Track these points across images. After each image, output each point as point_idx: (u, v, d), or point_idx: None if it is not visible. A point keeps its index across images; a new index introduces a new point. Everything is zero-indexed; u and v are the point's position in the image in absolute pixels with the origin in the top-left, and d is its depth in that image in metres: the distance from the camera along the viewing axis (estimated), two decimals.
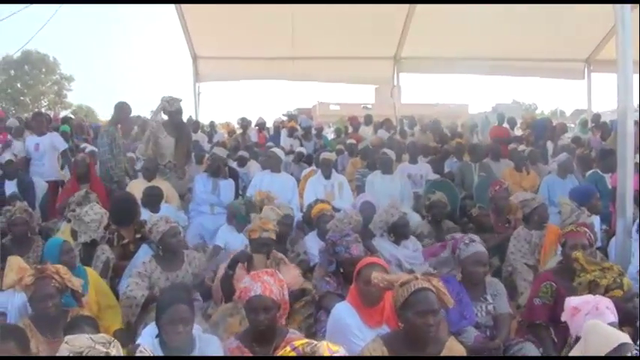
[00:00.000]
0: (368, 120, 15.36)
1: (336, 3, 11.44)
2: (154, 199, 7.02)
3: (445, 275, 4.53)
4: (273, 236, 5.22)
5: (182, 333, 3.43)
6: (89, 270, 5.01)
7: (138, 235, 6.24)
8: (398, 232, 6.10)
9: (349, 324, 3.90)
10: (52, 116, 13.97)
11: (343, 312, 4.00)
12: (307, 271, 5.79)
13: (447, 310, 3.49)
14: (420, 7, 12.37)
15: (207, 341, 3.61)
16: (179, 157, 8.04)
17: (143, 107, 56.12)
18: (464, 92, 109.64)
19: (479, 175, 9.07)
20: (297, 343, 2.47)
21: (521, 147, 10.34)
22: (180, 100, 8.13)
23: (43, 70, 48.95)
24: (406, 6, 12.47)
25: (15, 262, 4.04)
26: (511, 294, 5.19)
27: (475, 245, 4.47)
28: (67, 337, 2.61)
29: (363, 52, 13.78)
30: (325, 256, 4.95)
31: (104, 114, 39.20)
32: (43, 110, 43.01)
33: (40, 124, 9.16)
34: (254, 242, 5.21)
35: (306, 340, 2.50)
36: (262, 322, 3.48)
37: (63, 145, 8.84)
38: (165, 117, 7.98)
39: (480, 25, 11.65)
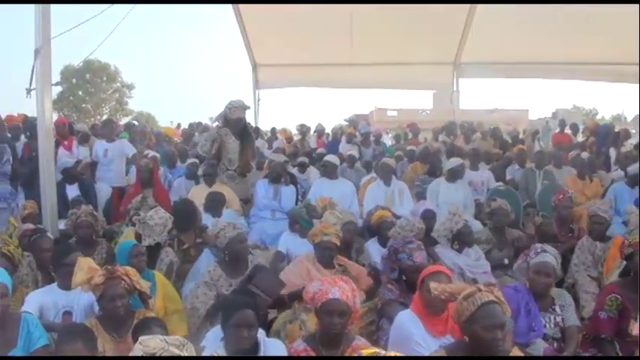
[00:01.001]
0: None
1: (392, 3, 11.37)
2: (216, 204, 7.11)
3: (516, 284, 4.51)
4: (335, 240, 5.23)
5: (247, 337, 3.45)
6: (157, 274, 5.09)
7: (199, 240, 6.33)
8: (461, 239, 5.99)
9: (413, 333, 3.84)
10: None
11: (407, 320, 3.95)
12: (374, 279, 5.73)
13: (515, 320, 3.41)
14: (479, 11, 12.24)
15: (271, 345, 3.63)
16: (243, 162, 8.10)
17: (203, 114, 57.09)
18: (523, 97, 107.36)
19: (542, 182, 8.90)
20: (365, 351, 2.45)
21: (584, 154, 10.08)
22: (245, 108, 8.19)
23: (105, 78, 50.26)
24: (465, 10, 12.35)
25: (85, 263, 4.12)
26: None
27: (543, 255, 4.41)
28: (141, 338, 2.64)
29: (422, 57, 13.76)
30: (387, 263, 4.90)
31: (164, 121, 40.05)
32: (104, 117, 44.29)
33: (110, 130, 9.36)
34: (317, 247, 5.27)
35: (374, 350, 2.47)
36: (336, 325, 3.48)
37: (131, 151, 9.01)
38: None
39: (540, 29, 11.45)
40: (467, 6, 12.43)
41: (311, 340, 3.63)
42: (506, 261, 6.22)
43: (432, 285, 3.54)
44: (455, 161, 8.24)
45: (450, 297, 3.40)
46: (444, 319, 3.94)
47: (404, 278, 4.74)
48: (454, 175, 8.03)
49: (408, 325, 3.90)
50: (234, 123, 7.89)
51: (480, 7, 12.28)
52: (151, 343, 2.61)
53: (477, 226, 7.23)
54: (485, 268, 5.93)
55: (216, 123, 8.28)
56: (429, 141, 13.78)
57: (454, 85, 14.83)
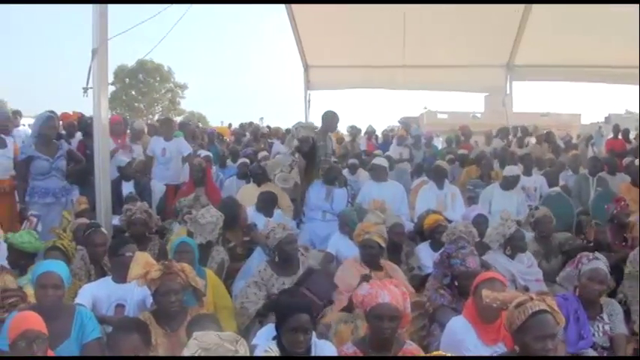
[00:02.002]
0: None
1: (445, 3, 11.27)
2: (268, 204, 7.14)
3: (565, 292, 4.44)
4: (377, 239, 5.19)
5: (302, 342, 3.44)
6: (209, 272, 5.14)
7: (246, 239, 6.36)
8: (514, 245, 5.87)
9: (464, 340, 3.79)
10: None
11: (458, 327, 3.89)
12: (420, 284, 5.67)
13: (564, 328, 3.33)
14: (534, 13, 12.02)
15: (322, 346, 3.62)
16: (308, 180, 8.08)
17: (253, 114, 57.59)
18: (574, 101, 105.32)
19: (595, 189, 8.69)
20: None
21: (637, 161, 9.79)
22: (313, 128, 8.23)
23: (158, 78, 51.23)
24: (520, 12, 12.14)
25: (142, 257, 4.19)
26: (625, 319, 4.91)
27: (595, 262, 4.34)
28: (196, 333, 2.68)
29: (475, 59, 13.57)
30: (440, 268, 4.83)
31: (215, 120, 40.52)
32: (156, 117, 45.09)
33: (168, 129, 9.47)
34: (360, 247, 5.27)
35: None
36: (386, 330, 3.45)
37: (187, 150, 9.12)
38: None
39: (594, 31, 11.16)
40: (521, 7, 12.23)
41: (361, 343, 3.61)
42: None
43: (484, 292, 3.51)
44: (511, 170, 8.08)
45: (502, 305, 3.36)
46: (496, 327, 3.87)
47: (456, 284, 4.67)
48: (509, 184, 7.88)
49: (460, 332, 3.85)
50: (301, 143, 7.86)
51: (534, 8, 12.07)
52: (205, 338, 2.65)
53: (529, 235, 7.09)
54: (538, 276, 5.82)
55: (287, 149, 8.28)
56: (481, 145, 13.60)
57: (507, 88, 14.62)
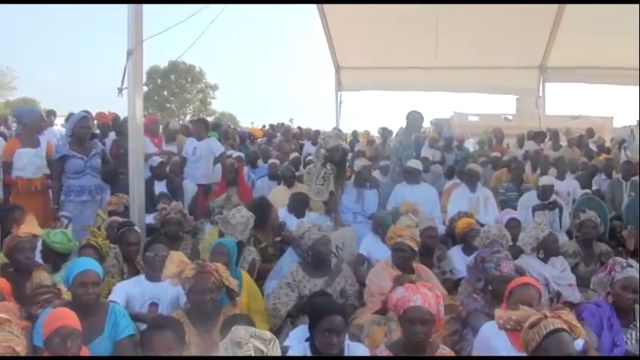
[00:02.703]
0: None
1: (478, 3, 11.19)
2: (299, 205, 7.16)
3: (597, 299, 4.36)
4: (409, 242, 5.14)
5: (335, 344, 3.44)
6: (244, 273, 5.16)
7: (277, 239, 6.36)
8: (547, 248, 5.80)
9: (497, 347, 3.70)
10: None
11: (491, 333, 3.80)
12: (452, 288, 5.63)
13: (598, 335, 3.27)
14: (567, 14, 11.88)
15: (355, 348, 3.62)
16: (340, 187, 8.06)
17: (284, 115, 57.81)
18: (606, 103, 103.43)
19: (629, 194, 8.53)
20: None
21: None
22: (340, 136, 8.21)
23: (189, 79, 51.70)
24: (553, 13, 12.01)
25: (176, 256, 4.24)
26: None
27: (629, 270, 4.22)
28: (234, 327, 2.72)
29: (507, 61, 13.47)
30: (474, 272, 4.78)
31: (245, 121, 40.72)
32: (188, 117, 45.50)
33: (200, 129, 9.51)
34: (392, 250, 5.23)
35: None
36: (419, 333, 3.41)
37: (219, 150, 9.17)
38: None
39: (627, 33, 10.96)
40: (554, 8, 12.10)
41: (394, 346, 3.58)
42: None
43: (497, 315, 3.45)
44: (548, 179, 7.91)
45: (516, 326, 3.29)
46: None
47: (489, 288, 4.61)
48: (545, 193, 7.75)
49: (493, 338, 3.77)
50: (331, 152, 7.85)
51: (567, 9, 11.95)
52: (238, 332, 2.69)
53: (563, 238, 7.00)
54: (570, 280, 5.75)
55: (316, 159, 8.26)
56: (512, 148, 13.44)
57: (539, 90, 14.45)
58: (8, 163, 6.65)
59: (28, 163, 6.67)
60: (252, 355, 2.69)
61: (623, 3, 10.49)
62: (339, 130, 8.26)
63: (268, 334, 2.82)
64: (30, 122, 6.83)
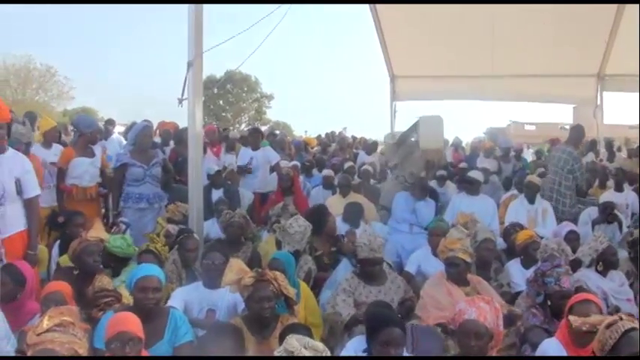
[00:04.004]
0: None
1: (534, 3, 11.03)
2: (355, 215, 7.15)
3: None
4: (462, 255, 5.04)
5: (394, 357, 3.43)
6: (303, 284, 5.20)
7: (333, 249, 6.38)
8: (606, 261, 5.67)
9: None
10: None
11: (551, 350, 3.77)
12: (510, 302, 5.53)
13: None
14: (625, 20, 11.60)
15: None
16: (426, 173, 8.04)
17: (337, 124, 57.87)
18: None
19: None
20: None
21: None
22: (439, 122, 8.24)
23: (245, 88, 52.29)
24: (611, 20, 11.75)
25: (236, 264, 4.30)
26: None
27: None
28: (292, 334, 2.76)
29: (565, 69, 13.16)
30: (534, 286, 4.70)
31: (299, 130, 40.96)
32: (243, 126, 46.06)
33: (256, 139, 9.69)
34: (445, 264, 5.13)
35: None
36: (472, 347, 3.39)
37: (275, 159, 9.29)
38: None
39: None
40: (612, 15, 11.84)
41: None
42: None
43: (572, 318, 3.45)
44: (608, 196, 7.69)
45: (592, 328, 3.30)
46: (589, 351, 3.70)
47: (549, 303, 4.55)
48: (605, 210, 7.53)
49: (553, 355, 3.73)
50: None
51: (626, 14, 11.64)
52: (292, 340, 2.72)
53: (622, 253, 6.80)
54: (629, 295, 5.62)
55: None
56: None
57: (597, 99, 14.13)
58: (63, 170, 6.84)
59: (85, 172, 6.84)
60: None
61: (623, 3, 10.25)
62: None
63: (321, 346, 2.84)
64: (89, 133, 7.02)
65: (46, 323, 3.03)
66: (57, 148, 7.59)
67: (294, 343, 2.75)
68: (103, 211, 7.52)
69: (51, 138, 7.66)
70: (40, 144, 7.64)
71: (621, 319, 3.12)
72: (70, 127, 11.49)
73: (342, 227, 6.91)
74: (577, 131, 8.46)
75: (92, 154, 6.98)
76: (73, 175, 6.82)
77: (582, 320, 3.38)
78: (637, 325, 3.07)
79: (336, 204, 7.68)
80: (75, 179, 6.81)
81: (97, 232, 4.88)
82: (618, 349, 3.02)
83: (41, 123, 8.21)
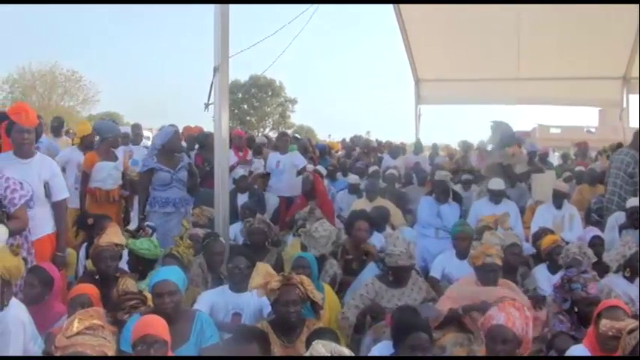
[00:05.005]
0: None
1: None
2: (380, 220, 7.15)
3: None
4: (497, 261, 5.01)
5: None
6: (327, 288, 5.21)
7: (364, 257, 6.35)
8: (634, 267, 5.59)
9: None
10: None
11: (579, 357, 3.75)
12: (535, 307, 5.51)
13: None
14: None
15: None
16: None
17: (361, 128, 57.93)
18: None
19: None
20: None
21: None
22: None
23: (269, 93, 52.50)
24: (636, 22, 11.62)
25: (262, 268, 4.33)
26: None
27: None
28: (318, 340, 2.76)
29: (590, 72, 13.08)
30: (560, 292, 4.65)
31: (322, 134, 41.04)
32: (267, 130, 46.22)
33: (284, 143, 9.82)
34: (479, 269, 5.07)
35: None
36: (498, 352, 3.37)
37: (302, 163, 9.35)
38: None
39: None
40: (637, 17, 11.70)
41: None
42: None
43: (602, 322, 3.44)
44: (634, 201, 7.53)
45: (618, 333, 3.31)
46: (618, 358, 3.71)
47: (576, 310, 4.51)
48: (632, 215, 7.23)
49: None
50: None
51: None
52: (317, 347, 2.72)
53: None
54: None
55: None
56: (599, 162, 13.00)
57: (624, 102, 13.98)
58: (87, 174, 6.95)
59: (108, 176, 6.94)
60: None
61: (623, 3, 10.16)
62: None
63: (347, 351, 2.85)
64: (111, 137, 7.15)
65: (76, 326, 3.07)
66: None
67: (321, 349, 2.76)
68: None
69: (88, 143, 7.83)
70: (77, 147, 7.92)
71: None
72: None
73: None
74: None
75: (114, 158, 7.10)
76: (96, 179, 6.91)
77: (610, 324, 3.38)
78: None
79: (362, 208, 7.66)
80: (98, 182, 6.91)
81: (109, 236, 4.92)
82: (635, 353, 3.03)
83: (79, 128, 8.46)
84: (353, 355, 2.87)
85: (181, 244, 5.71)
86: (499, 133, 8.01)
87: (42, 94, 41.48)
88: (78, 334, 3.06)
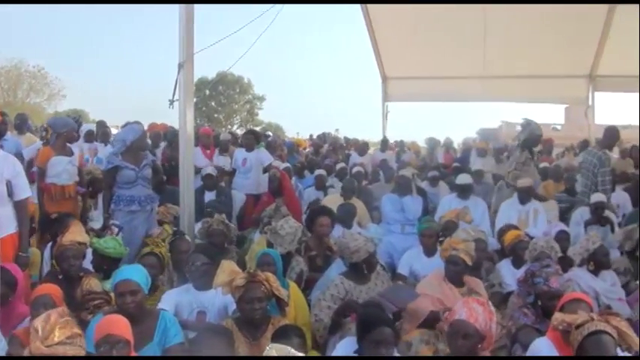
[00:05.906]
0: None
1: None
2: (347, 216, 7.13)
3: None
4: (464, 256, 5.03)
5: (385, 356, 3.42)
6: (292, 284, 5.17)
7: (328, 253, 6.36)
8: (598, 261, 5.70)
9: None
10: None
11: (542, 349, 3.75)
12: (501, 302, 5.56)
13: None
14: (616, 22, 11.71)
15: None
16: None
17: (330, 126, 57.98)
18: None
19: None
20: None
21: None
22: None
23: (237, 90, 52.26)
24: (602, 21, 11.83)
25: (227, 265, 4.28)
26: None
27: None
28: (272, 344, 2.72)
29: (556, 70, 13.26)
30: (524, 286, 4.72)
31: (291, 131, 40.98)
32: (235, 127, 46.03)
33: (250, 141, 9.69)
34: (445, 262, 5.13)
35: None
36: (459, 348, 3.39)
37: (268, 161, 9.31)
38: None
39: None
40: (603, 16, 11.92)
41: None
42: None
43: (554, 316, 3.49)
44: (599, 196, 7.66)
45: (568, 327, 3.32)
46: None
47: (539, 303, 4.56)
48: (597, 210, 7.51)
49: (544, 354, 3.73)
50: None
51: (617, 15, 11.74)
52: (271, 353, 2.66)
53: (615, 254, 6.81)
54: (620, 295, 5.67)
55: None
56: (566, 158, 13.20)
57: (589, 99, 14.21)
58: (43, 169, 6.82)
59: (63, 171, 6.81)
60: None
61: (623, 3, 10.33)
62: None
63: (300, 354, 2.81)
64: (64, 132, 7.00)
65: (57, 335, 3.02)
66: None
67: (273, 354, 2.71)
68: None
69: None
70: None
71: (592, 319, 3.15)
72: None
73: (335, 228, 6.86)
74: (610, 133, 8.26)
75: (70, 153, 6.96)
76: (51, 174, 6.78)
77: (561, 318, 3.40)
78: (605, 328, 3.10)
79: (330, 205, 7.64)
80: (53, 178, 6.77)
81: (73, 235, 4.85)
82: (582, 349, 3.07)
83: None
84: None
85: (162, 246, 5.70)
86: (526, 132, 8.05)
87: (7, 90, 40.74)
88: (58, 343, 3.02)
